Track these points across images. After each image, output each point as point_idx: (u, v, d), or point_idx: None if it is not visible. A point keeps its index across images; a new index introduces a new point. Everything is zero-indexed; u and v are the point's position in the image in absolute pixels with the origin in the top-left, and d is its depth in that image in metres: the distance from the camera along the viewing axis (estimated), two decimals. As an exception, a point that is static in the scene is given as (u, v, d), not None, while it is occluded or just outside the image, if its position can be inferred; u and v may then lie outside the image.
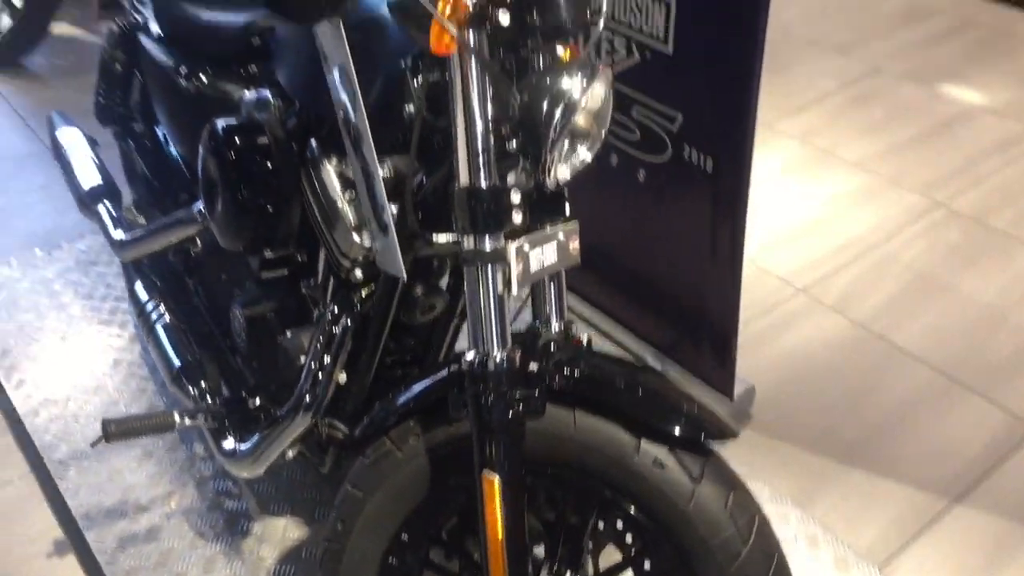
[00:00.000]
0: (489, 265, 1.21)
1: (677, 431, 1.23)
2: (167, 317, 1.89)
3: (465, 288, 1.23)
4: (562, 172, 1.27)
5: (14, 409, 2.19)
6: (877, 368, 2.44)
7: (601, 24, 1.27)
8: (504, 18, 1.20)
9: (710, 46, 1.87)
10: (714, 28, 1.85)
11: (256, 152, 1.50)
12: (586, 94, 1.21)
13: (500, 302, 1.22)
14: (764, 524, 1.25)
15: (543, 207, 1.34)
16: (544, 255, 1.30)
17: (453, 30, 1.12)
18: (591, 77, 1.22)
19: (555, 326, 1.39)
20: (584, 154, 1.29)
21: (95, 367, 2.28)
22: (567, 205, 1.38)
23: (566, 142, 1.24)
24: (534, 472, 1.29)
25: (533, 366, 1.24)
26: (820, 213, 3.00)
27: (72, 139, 2.30)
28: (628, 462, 1.24)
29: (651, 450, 1.24)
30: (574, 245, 1.37)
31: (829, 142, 3.33)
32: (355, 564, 1.38)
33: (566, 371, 1.26)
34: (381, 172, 1.32)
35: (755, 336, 2.52)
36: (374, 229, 1.35)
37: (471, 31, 1.16)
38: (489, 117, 1.19)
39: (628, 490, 1.26)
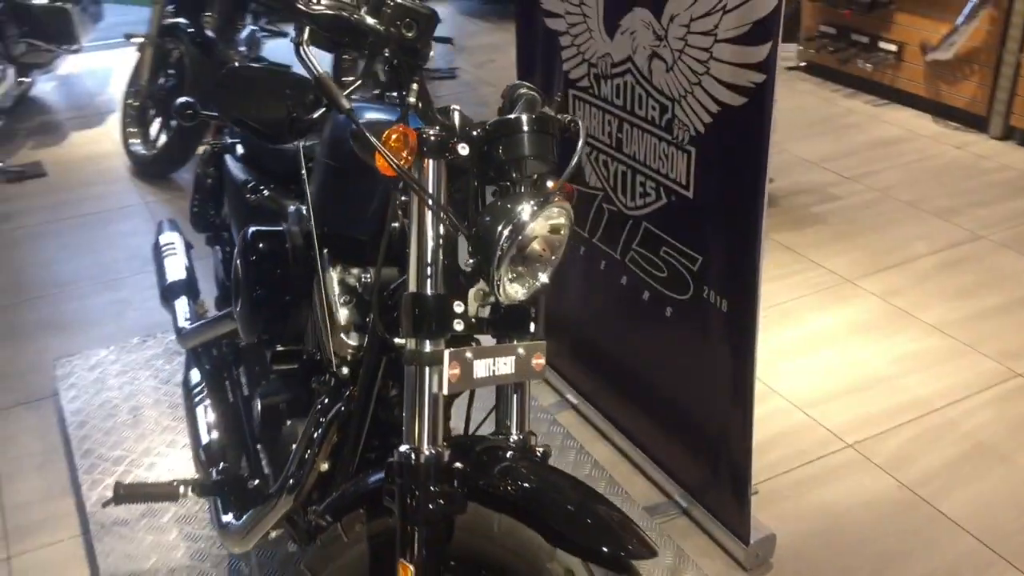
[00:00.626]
0: (427, 367, 1.32)
1: (593, 545, 1.28)
2: (207, 400, 2.09)
3: (404, 386, 1.34)
4: (513, 291, 1.38)
5: (77, 477, 2.42)
6: (916, 532, 2.34)
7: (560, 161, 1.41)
8: (463, 150, 1.35)
9: (722, 193, 1.97)
10: (724, 177, 1.95)
11: (274, 257, 1.69)
12: (536, 220, 1.34)
13: (435, 401, 1.33)
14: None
15: (509, 323, 1.45)
16: (496, 366, 1.39)
17: (395, 162, 1.27)
18: (543, 205, 1.35)
19: (514, 434, 1.48)
20: (541, 277, 1.41)
21: (153, 440, 2.51)
22: (533, 324, 1.48)
23: (516, 264, 1.36)
24: (457, 568, 1.36)
25: (459, 465, 1.33)
26: (886, 371, 2.94)
27: (171, 241, 2.60)
28: (542, 569, 1.29)
29: (565, 560, 1.29)
30: (537, 362, 1.45)
31: (910, 302, 3.28)
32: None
33: (497, 476, 1.34)
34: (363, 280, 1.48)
35: (793, 484, 2.48)
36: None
37: (424, 159, 1.32)
38: (439, 233, 1.33)
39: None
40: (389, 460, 1.33)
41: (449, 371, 1.31)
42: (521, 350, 1.42)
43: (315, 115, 1.30)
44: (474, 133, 1.38)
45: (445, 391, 1.31)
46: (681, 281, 2.15)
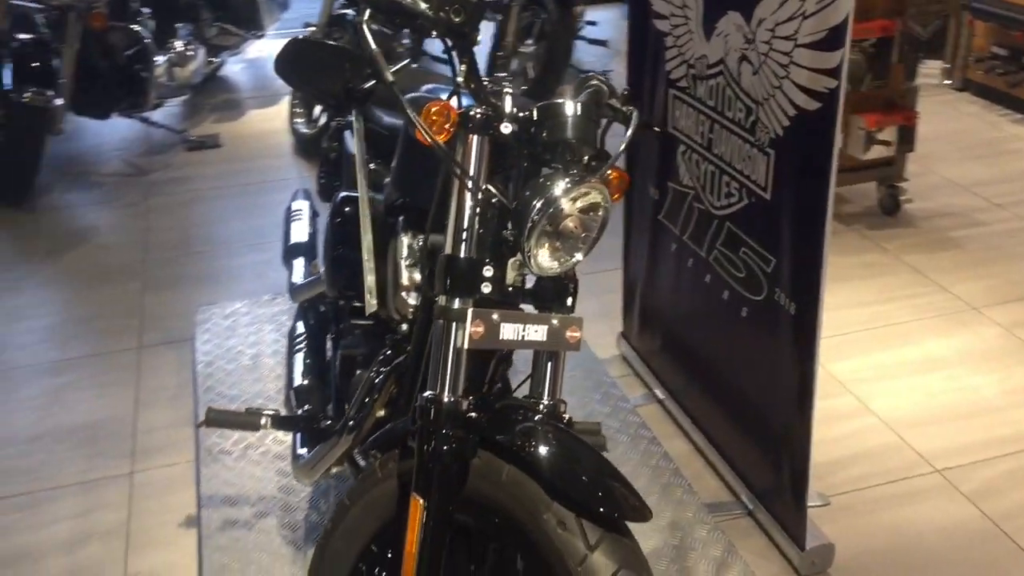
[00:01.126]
0: (453, 323, 1.46)
1: (587, 501, 1.38)
2: (304, 349, 2.31)
3: (432, 339, 1.48)
4: (546, 264, 1.49)
5: (198, 410, 2.71)
6: (992, 565, 2.27)
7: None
8: (506, 129, 1.48)
9: (794, 197, 2.00)
10: (797, 180, 1.98)
11: (356, 221, 1.88)
12: (568, 197, 1.45)
13: (458, 355, 1.46)
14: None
15: (547, 296, 1.57)
16: (526, 332, 1.50)
17: (428, 133, 1.41)
18: (576, 184, 1.46)
19: (545, 400, 1.60)
20: (576, 255, 1.52)
21: (266, 384, 2.78)
22: (570, 300, 1.59)
23: (550, 239, 1.47)
24: (466, 508, 1.48)
25: (474, 415, 1.46)
26: (994, 402, 2.83)
27: (299, 208, 2.87)
28: (538, 517, 1.40)
29: (559, 512, 1.39)
30: (572, 335, 1.56)
31: (1037, 336, 3.14)
32: (332, 564, 1.63)
33: (510, 430, 1.45)
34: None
35: (869, 501, 2.45)
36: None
37: (469, 134, 1.46)
38: (476, 203, 1.47)
39: (534, 541, 1.41)
40: (414, 405, 1.47)
41: (472, 328, 1.44)
42: (555, 321, 1.53)
43: (367, 86, 1.45)
44: (520, 114, 1.51)
45: (466, 345, 1.44)
46: (756, 282, 2.19)
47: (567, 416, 1.61)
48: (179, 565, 2.26)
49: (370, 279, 1.74)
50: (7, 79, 4.10)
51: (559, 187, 1.46)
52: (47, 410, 2.86)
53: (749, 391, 2.35)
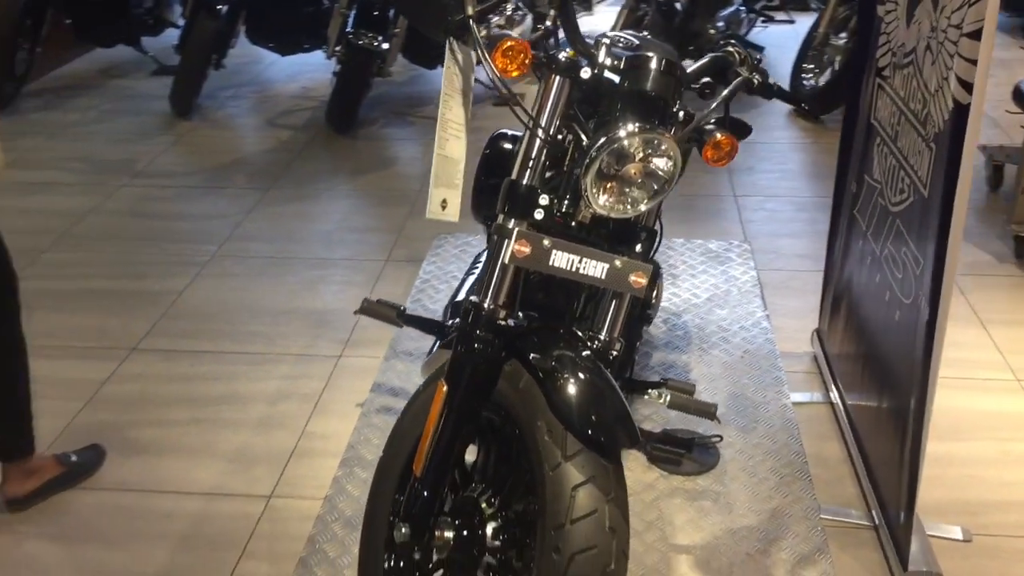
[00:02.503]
0: (505, 240, 1.62)
1: (577, 421, 1.50)
2: (475, 271, 2.57)
3: (487, 253, 1.66)
4: (603, 204, 1.61)
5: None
6: None
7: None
8: (585, 74, 1.61)
9: (939, 196, 1.88)
10: (945, 178, 1.87)
11: (500, 154, 2.08)
12: (628, 139, 1.55)
13: (503, 269, 1.63)
14: (600, 518, 1.43)
15: (615, 237, 1.69)
16: (582, 265, 1.63)
17: (490, 67, 1.56)
18: (642, 132, 1.56)
19: (604, 336, 1.72)
20: (640, 205, 1.62)
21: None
22: (640, 247, 1.69)
23: (613, 182, 1.59)
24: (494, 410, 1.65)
25: (504, 322, 1.62)
26: None
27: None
28: (533, 421, 1.54)
29: (549, 422, 1.52)
30: (636, 280, 1.65)
31: None
32: (402, 439, 1.87)
33: (535, 347, 1.60)
34: None
35: (1014, 551, 2.23)
36: None
37: (551, 75, 1.60)
38: (543, 136, 1.61)
39: (527, 445, 1.55)
40: (462, 304, 1.66)
41: (517, 246, 1.59)
42: (619, 262, 1.64)
43: (459, 18, 1.63)
44: (607, 63, 1.62)
45: (506, 260, 1.60)
46: (908, 284, 2.08)
47: (613, 354, 1.72)
48: (341, 432, 2.64)
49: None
50: (352, 25, 4.78)
51: (624, 130, 1.56)
52: (299, 295, 3.41)
53: (890, 401, 2.23)
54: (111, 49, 6.14)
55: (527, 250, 1.61)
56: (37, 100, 5.59)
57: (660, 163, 1.60)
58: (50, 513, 2.39)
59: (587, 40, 1.68)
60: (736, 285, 3.18)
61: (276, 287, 3.46)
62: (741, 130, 2.29)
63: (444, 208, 1.72)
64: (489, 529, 1.65)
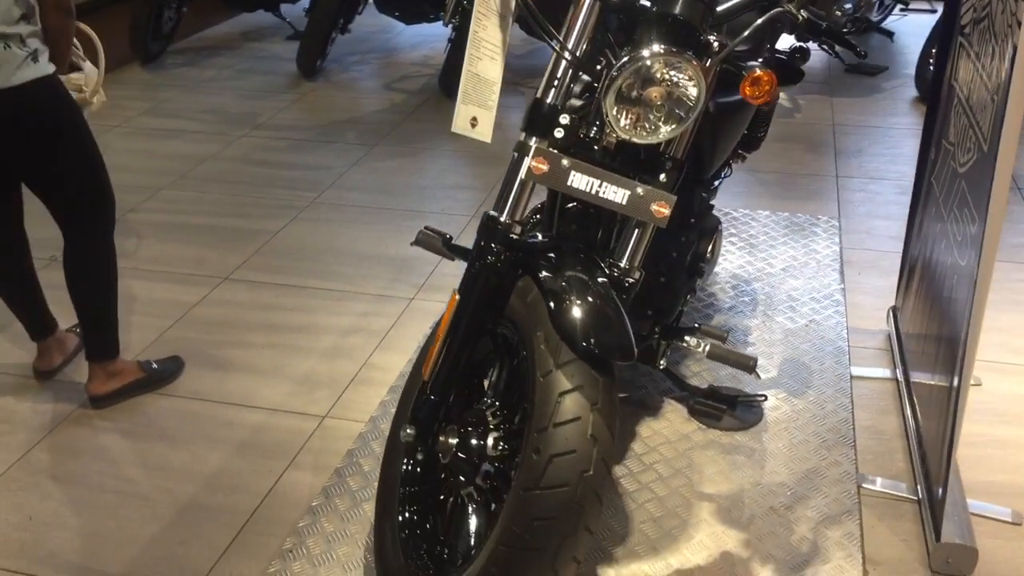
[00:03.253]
0: (525, 158, 1.66)
1: (573, 332, 1.52)
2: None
3: (508, 168, 1.70)
4: (623, 126, 1.62)
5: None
6: None
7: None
8: (617, -6, 1.63)
9: (994, 151, 1.80)
10: (997, 133, 1.78)
11: None
12: (652, 60, 1.56)
13: (521, 186, 1.67)
14: (583, 425, 1.46)
15: (637, 163, 1.70)
16: (603, 189, 1.65)
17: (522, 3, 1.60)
18: (666, 54, 1.56)
19: (623, 263, 1.74)
20: (662, 130, 1.63)
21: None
22: (664, 176, 1.70)
23: (635, 105, 1.60)
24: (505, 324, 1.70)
25: (517, 238, 1.66)
26: None
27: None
28: (533, 330, 1.58)
29: (547, 332, 1.55)
30: (658, 209, 1.67)
31: None
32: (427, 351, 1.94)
33: (549, 264, 1.63)
34: None
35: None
36: None
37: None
38: (570, 56, 1.64)
39: (527, 353, 1.59)
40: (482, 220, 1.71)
41: (534, 163, 1.63)
42: (640, 190, 1.66)
43: None
44: None
45: (522, 176, 1.64)
46: (965, 247, 2.00)
47: (630, 280, 1.73)
48: (399, 366, 2.74)
49: None
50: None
51: (646, 51, 1.57)
52: (384, 241, 3.53)
53: (942, 374, 2.14)
54: (253, 14, 6.49)
55: (545, 167, 1.64)
56: (180, 57, 5.97)
57: (684, 88, 1.60)
58: (126, 412, 2.59)
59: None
60: (815, 258, 3.10)
61: (365, 233, 3.60)
62: (791, 74, 2.25)
63: (474, 126, 1.77)
64: (490, 439, 1.70)
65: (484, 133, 1.80)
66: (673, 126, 1.64)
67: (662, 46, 1.57)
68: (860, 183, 3.95)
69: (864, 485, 2.22)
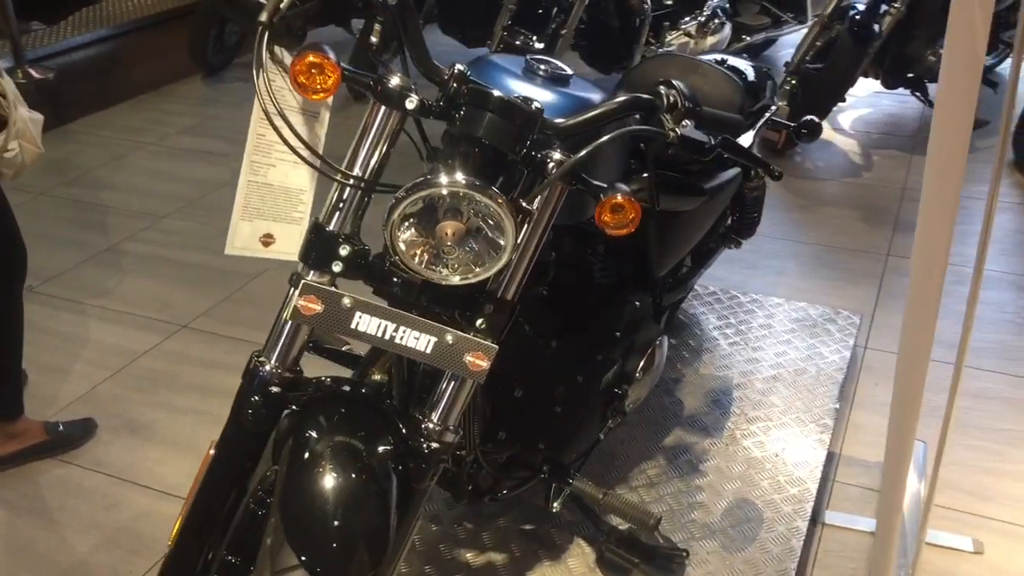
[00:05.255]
0: (294, 290, 1.36)
1: (299, 534, 1.22)
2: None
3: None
4: (406, 256, 1.31)
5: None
6: None
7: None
8: (411, 104, 1.31)
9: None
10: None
11: None
12: (439, 190, 1.25)
13: (284, 323, 1.37)
14: None
15: (463, 303, 1.38)
16: (402, 336, 1.33)
17: (267, 89, 1.30)
18: (457, 184, 1.25)
19: (434, 421, 1.41)
20: (461, 267, 1.31)
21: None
22: (481, 321, 1.37)
23: (430, 241, 1.29)
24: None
25: (275, 390, 1.37)
26: None
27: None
28: (270, 519, 1.28)
29: (277, 522, 1.25)
30: (474, 361, 1.35)
31: None
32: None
33: (313, 422, 1.34)
34: None
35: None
36: None
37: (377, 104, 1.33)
38: (359, 181, 1.34)
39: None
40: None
41: (303, 302, 1.33)
42: (450, 337, 1.34)
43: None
44: (450, 86, 1.31)
45: (288, 317, 1.34)
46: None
47: (435, 445, 1.41)
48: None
49: None
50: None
51: (433, 181, 1.26)
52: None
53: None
54: (324, 28, 6.38)
55: (318, 307, 1.34)
56: (243, 71, 5.91)
57: (490, 226, 1.28)
58: (16, 478, 2.43)
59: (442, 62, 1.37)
60: (816, 364, 2.65)
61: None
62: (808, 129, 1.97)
63: (268, 244, 1.48)
64: None
65: (288, 250, 1.51)
66: (479, 268, 1.31)
67: (448, 178, 1.25)
68: (913, 265, 3.42)
69: None
